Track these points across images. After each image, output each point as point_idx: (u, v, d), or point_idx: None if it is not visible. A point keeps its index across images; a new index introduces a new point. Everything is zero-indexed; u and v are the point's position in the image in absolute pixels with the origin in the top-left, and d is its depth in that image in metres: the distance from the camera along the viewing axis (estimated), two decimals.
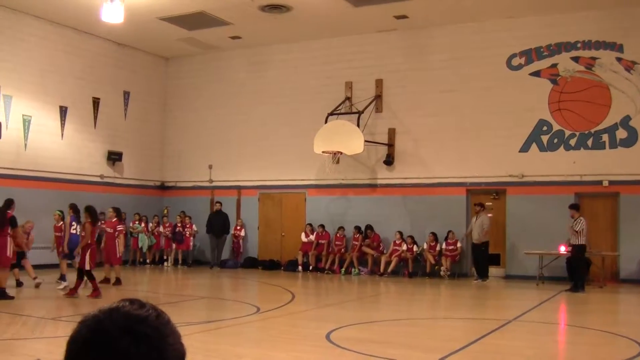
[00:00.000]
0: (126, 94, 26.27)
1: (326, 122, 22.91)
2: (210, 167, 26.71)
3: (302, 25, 23.04)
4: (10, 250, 15.52)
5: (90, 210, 15.73)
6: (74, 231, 16.92)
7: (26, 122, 22.40)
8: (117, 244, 18.28)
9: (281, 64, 25.59)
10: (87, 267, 15.25)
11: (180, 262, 25.41)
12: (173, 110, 27.98)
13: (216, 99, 26.82)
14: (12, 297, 14.95)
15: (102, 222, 19.65)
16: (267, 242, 25.50)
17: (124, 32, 23.57)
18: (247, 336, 11.63)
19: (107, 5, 19.71)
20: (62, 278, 17.18)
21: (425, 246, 22.35)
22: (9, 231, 15.50)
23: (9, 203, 16.13)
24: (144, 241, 25.20)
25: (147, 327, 1.50)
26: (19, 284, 17.05)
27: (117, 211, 18.78)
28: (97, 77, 24.93)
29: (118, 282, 18.02)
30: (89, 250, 15.24)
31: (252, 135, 25.82)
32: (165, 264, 25.32)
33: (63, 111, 23.69)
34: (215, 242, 24.92)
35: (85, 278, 15.60)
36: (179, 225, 25.53)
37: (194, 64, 27.46)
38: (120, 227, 18.54)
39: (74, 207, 17.02)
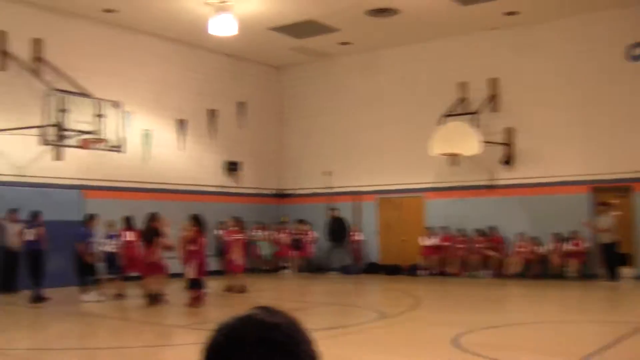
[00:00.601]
0: (241, 105, 26.66)
1: (441, 124, 22.65)
2: (328, 173, 26.74)
3: (411, 27, 22.84)
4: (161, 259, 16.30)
5: (197, 218, 15.89)
6: None
7: (147, 136, 23.05)
8: (238, 252, 18.48)
9: (392, 67, 25.46)
10: (192, 275, 15.41)
11: (301, 269, 25.58)
12: (288, 119, 28.24)
13: (330, 105, 26.90)
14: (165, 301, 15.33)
15: (224, 231, 19.95)
16: (388, 247, 25.34)
17: (236, 44, 23.94)
18: (372, 342, 11.54)
19: (215, 18, 20.08)
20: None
21: (549, 247, 21.75)
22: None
23: (154, 216, 16.60)
24: (265, 249, 25.50)
25: (281, 334, 1.53)
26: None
27: (237, 220, 19.02)
28: (212, 90, 25.45)
29: (242, 290, 18.26)
30: (196, 259, 15.37)
31: (368, 140, 25.76)
32: (286, 271, 25.50)
33: (181, 124, 24.26)
34: (335, 248, 24.93)
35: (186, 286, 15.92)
36: (298, 232, 25.69)
37: (306, 72, 27.65)
38: (240, 236, 18.75)
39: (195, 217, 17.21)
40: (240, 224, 19.25)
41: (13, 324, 13.53)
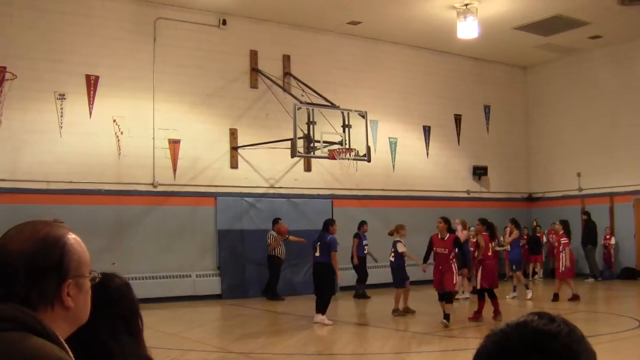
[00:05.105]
0: (486, 108, 26.31)
1: None
2: (578, 174, 25.65)
3: None
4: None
5: (486, 223, 15.39)
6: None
7: (392, 144, 23.36)
8: (567, 258, 18.25)
9: None
10: (478, 285, 14.77)
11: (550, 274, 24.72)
12: (535, 120, 27.41)
13: (579, 103, 25.74)
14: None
15: (554, 236, 19.84)
16: None
17: (480, 46, 23.62)
18: (629, 352, 10.94)
19: (462, 23, 19.96)
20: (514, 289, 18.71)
21: None
22: None
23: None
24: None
25: (558, 344, 1.40)
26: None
27: (565, 224, 19.06)
28: (456, 94, 25.29)
29: (575, 297, 17.93)
30: (480, 267, 14.70)
31: (621, 138, 24.27)
32: (536, 276, 24.56)
33: (426, 131, 24.35)
34: (587, 252, 23.84)
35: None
36: (549, 235, 24.84)
37: (553, 70, 26.69)
38: (565, 240, 18.46)
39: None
40: (567, 228, 19.30)
41: (262, 330, 14.22)
